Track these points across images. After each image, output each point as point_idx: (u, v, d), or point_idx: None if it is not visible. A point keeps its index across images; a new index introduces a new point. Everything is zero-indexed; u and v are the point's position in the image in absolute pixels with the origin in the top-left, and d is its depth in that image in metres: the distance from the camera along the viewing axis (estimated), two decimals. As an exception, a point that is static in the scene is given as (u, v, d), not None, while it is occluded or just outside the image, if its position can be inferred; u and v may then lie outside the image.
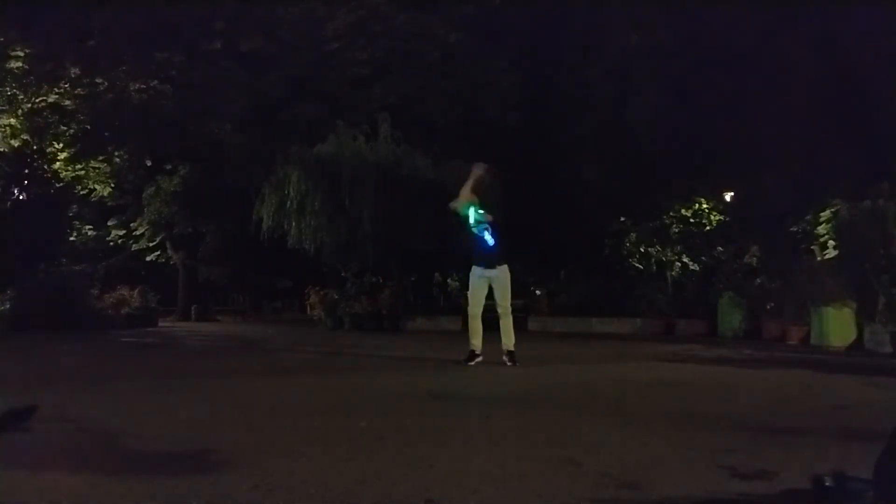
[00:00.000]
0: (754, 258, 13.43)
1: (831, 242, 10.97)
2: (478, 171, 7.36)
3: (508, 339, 7.04)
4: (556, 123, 17.20)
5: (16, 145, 17.16)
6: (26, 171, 19.01)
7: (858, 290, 10.09)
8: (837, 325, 10.15)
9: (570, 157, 16.98)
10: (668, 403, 4.65)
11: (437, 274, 22.56)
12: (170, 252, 23.67)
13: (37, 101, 16.41)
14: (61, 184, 19.37)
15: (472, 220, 7.11)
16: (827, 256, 11.02)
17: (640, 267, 15.62)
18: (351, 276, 16.52)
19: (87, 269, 19.43)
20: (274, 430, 3.61)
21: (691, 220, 15.19)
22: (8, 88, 15.93)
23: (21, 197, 19.30)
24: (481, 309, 7.20)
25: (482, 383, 5.87)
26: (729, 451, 3.00)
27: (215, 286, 26.18)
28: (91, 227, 24.47)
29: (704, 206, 15.14)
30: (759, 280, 12.76)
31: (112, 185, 20.63)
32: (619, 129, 15.99)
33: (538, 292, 19.97)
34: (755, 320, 12.14)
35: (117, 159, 19.42)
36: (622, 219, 15.99)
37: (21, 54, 15.24)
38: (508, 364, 6.86)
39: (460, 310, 17.07)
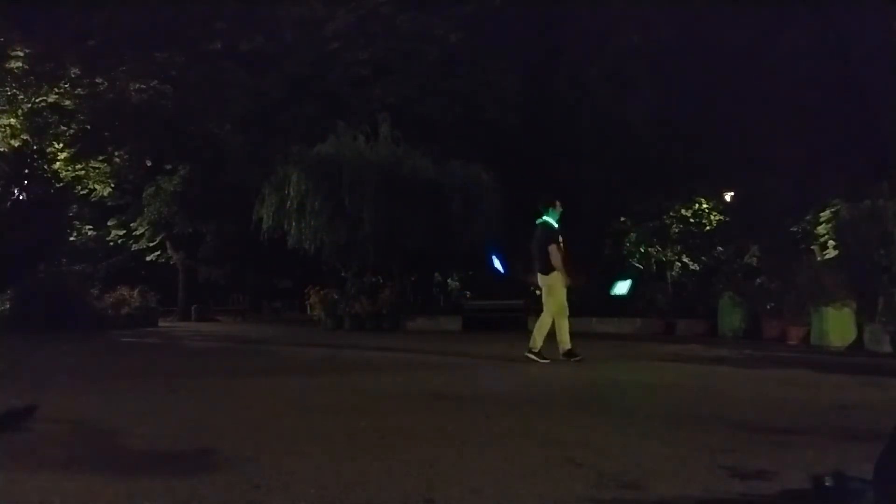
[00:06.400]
0: (754, 258, 13.41)
1: (831, 242, 10.95)
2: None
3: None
4: (556, 123, 17.20)
5: (16, 145, 17.14)
6: (26, 171, 18.99)
7: (858, 290, 10.08)
8: (837, 325, 10.13)
9: (570, 157, 16.97)
10: (668, 403, 4.65)
11: (437, 274, 22.55)
12: (170, 252, 23.68)
13: (37, 101, 16.39)
14: (61, 184, 19.35)
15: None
16: (827, 256, 11.00)
17: (640, 267, 15.61)
18: (351, 276, 16.52)
19: (87, 269, 19.43)
20: (274, 430, 3.61)
21: (691, 220, 15.17)
22: (8, 88, 15.91)
23: (21, 197, 19.28)
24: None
25: (482, 383, 5.87)
26: (729, 451, 3.01)
27: (215, 286, 26.17)
28: (91, 227, 24.47)
29: (704, 206, 15.12)
30: (759, 280, 12.75)
31: (112, 185, 20.62)
32: (619, 129, 15.98)
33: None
34: (755, 320, 12.12)
35: (117, 159, 19.40)
36: (622, 219, 15.98)
37: (21, 54, 15.22)
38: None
39: (460, 310, 17.15)
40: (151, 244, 23.53)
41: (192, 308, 22.83)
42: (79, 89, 16.38)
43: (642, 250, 15.51)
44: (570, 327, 7.61)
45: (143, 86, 16.79)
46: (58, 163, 18.40)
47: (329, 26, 17.54)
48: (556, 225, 7.69)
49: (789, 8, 12.96)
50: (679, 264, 15.21)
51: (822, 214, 11.31)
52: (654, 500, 2.33)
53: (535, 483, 2.50)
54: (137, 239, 23.27)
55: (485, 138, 17.22)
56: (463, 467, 2.73)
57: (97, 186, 20.29)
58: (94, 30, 15.53)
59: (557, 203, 7.77)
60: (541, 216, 7.79)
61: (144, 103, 17.05)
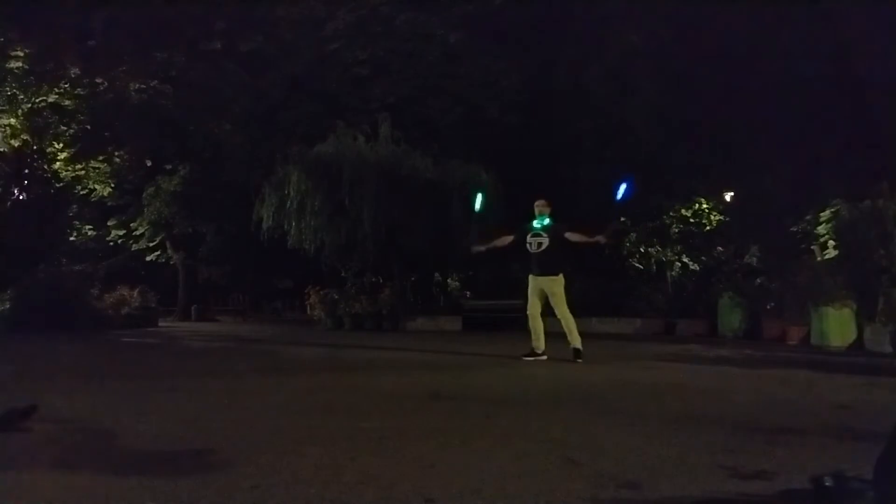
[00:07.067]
0: (754, 258, 13.43)
1: (831, 242, 10.97)
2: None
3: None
4: (556, 123, 17.19)
5: (16, 145, 17.15)
6: (26, 171, 19.00)
7: (858, 290, 10.09)
8: (837, 325, 10.15)
9: (570, 156, 16.97)
10: (668, 403, 4.65)
11: (437, 274, 22.55)
12: (170, 252, 23.69)
13: (37, 101, 16.40)
14: (61, 184, 19.36)
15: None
16: (827, 256, 11.01)
17: (640, 267, 15.61)
18: (351, 276, 16.53)
19: (87, 269, 19.42)
20: (274, 430, 3.61)
21: (691, 220, 15.18)
22: (8, 88, 15.92)
23: (21, 197, 19.29)
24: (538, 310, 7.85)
25: (482, 383, 5.87)
26: (729, 451, 3.01)
27: (215, 286, 26.22)
28: (91, 227, 24.49)
29: (704, 206, 15.13)
30: (759, 280, 12.76)
31: (112, 185, 20.64)
32: (619, 129, 15.98)
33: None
34: (755, 320, 12.13)
35: (117, 159, 19.42)
36: (622, 219, 15.99)
37: (21, 54, 15.23)
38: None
39: (460, 310, 17.16)
40: (151, 244, 23.55)
41: (192, 308, 22.85)
42: (79, 89, 16.40)
43: (642, 250, 15.52)
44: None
45: (143, 86, 16.81)
46: (58, 163, 18.41)
47: (329, 26, 17.56)
48: (533, 225, 8.18)
49: (789, 8, 12.95)
50: (679, 264, 15.22)
51: (822, 214, 11.31)
52: (654, 500, 2.33)
53: (534, 483, 2.50)
54: (137, 239, 23.30)
55: (485, 138, 17.22)
56: (463, 467, 2.73)
57: (97, 186, 20.31)
58: (94, 30, 15.54)
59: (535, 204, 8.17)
60: None
61: (144, 103, 17.07)
